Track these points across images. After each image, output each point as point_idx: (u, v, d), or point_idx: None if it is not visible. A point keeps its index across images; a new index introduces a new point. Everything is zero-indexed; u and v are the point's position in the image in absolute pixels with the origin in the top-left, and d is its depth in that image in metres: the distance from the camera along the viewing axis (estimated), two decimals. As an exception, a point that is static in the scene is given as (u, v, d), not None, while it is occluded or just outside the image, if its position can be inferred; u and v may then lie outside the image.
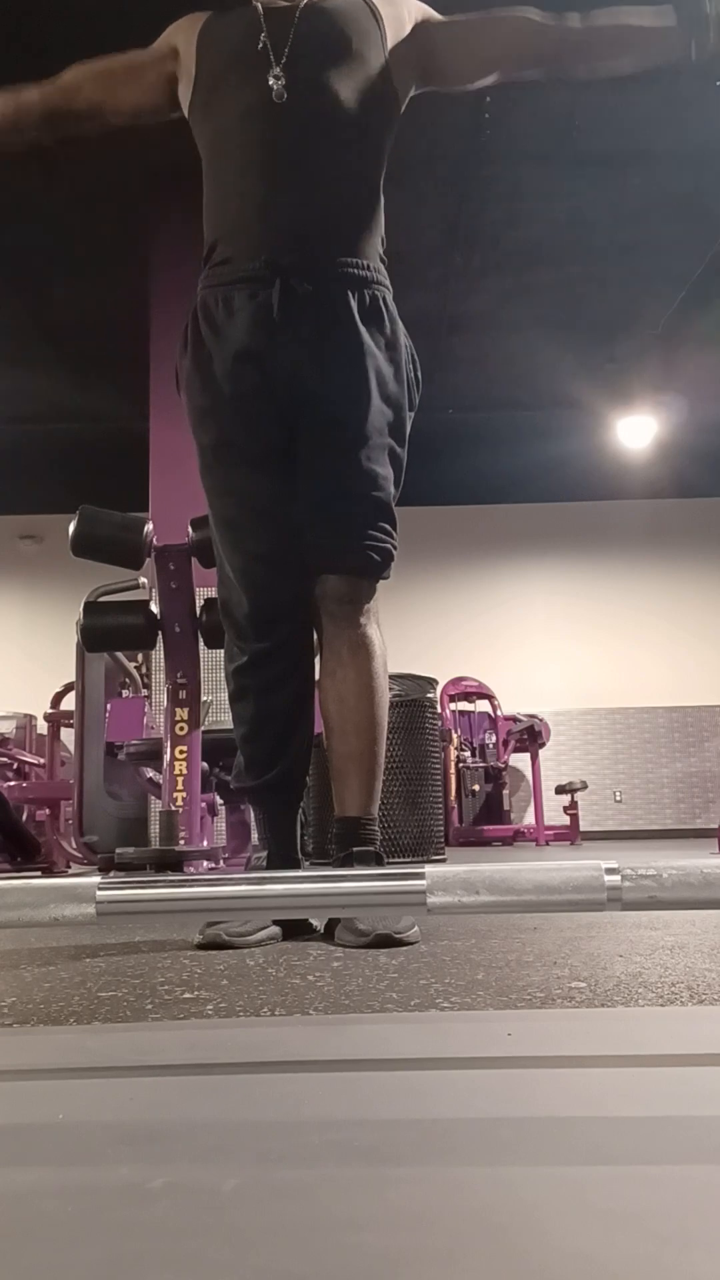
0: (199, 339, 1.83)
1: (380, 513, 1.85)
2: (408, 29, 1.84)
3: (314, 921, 1.77)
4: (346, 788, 1.85)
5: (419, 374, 1.92)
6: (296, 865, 1.93)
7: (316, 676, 1.92)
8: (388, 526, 1.86)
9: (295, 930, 1.74)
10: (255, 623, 1.88)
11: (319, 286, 1.77)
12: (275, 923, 1.68)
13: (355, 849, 1.79)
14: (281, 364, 1.77)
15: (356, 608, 1.85)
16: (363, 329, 1.79)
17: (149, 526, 3.26)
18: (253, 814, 1.96)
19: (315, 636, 1.93)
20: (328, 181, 1.78)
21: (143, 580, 3.71)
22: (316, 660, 1.93)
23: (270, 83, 1.74)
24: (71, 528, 3.17)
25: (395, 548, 1.87)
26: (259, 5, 1.81)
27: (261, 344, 1.77)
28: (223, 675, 1.98)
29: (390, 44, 1.83)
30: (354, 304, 1.78)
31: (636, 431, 9.03)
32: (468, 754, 9.57)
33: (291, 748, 1.91)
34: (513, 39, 1.82)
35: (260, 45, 1.76)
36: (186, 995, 1.18)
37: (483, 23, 1.84)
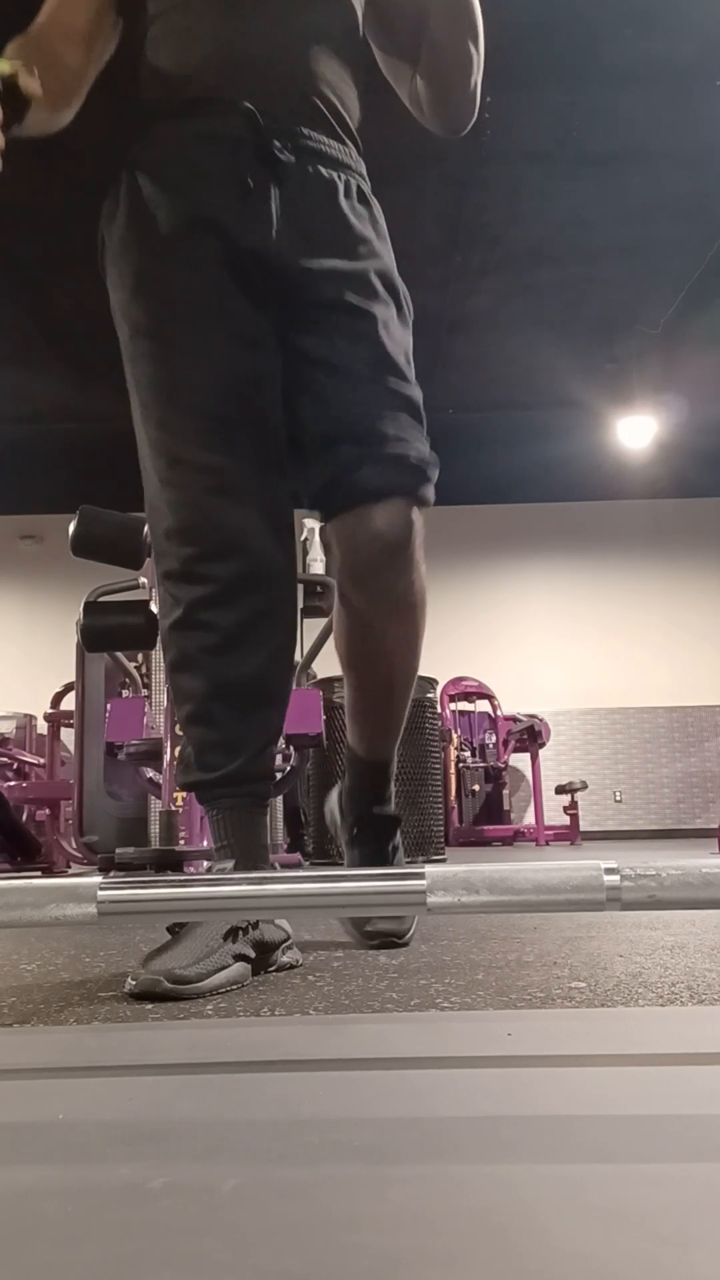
0: (139, 198, 1.46)
1: (417, 415, 1.49)
2: None
3: (295, 955, 1.40)
4: (368, 725, 1.61)
5: (409, 302, 1.60)
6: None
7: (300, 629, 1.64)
8: (424, 433, 1.49)
9: (267, 962, 1.34)
10: (191, 559, 1.43)
11: (302, 160, 1.46)
12: (243, 957, 1.26)
13: (375, 809, 1.62)
14: (255, 237, 1.43)
15: (407, 550, 1.46)
16: (354, 213, 1.50)
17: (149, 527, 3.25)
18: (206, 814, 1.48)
19: (282, 570, 1.50)
20: (310, 45, 1.49)
21: (143, 580, 3.71)
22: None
23: None
24: (71, 528, 3.17)
25: (436, 466, 1.49)
26: None
27: (230, 211, 1.43)
28: None
29: None
30: (340, 187, 1.49)
31: (636, 431, 9.03)
32: (468, 754, 9.58)
33: (260, 729, 1.46)
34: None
35: None
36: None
37: None
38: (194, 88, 1.46)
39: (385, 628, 1.51)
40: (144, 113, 1.51)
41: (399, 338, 1.51)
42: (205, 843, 3.69)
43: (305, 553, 5.18)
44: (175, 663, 1.48)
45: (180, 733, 3.18)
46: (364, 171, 1.56)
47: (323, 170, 1.48)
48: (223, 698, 1.43)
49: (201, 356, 1.44)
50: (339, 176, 1.50)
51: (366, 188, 1.55)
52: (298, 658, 1.82)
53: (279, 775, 1.64)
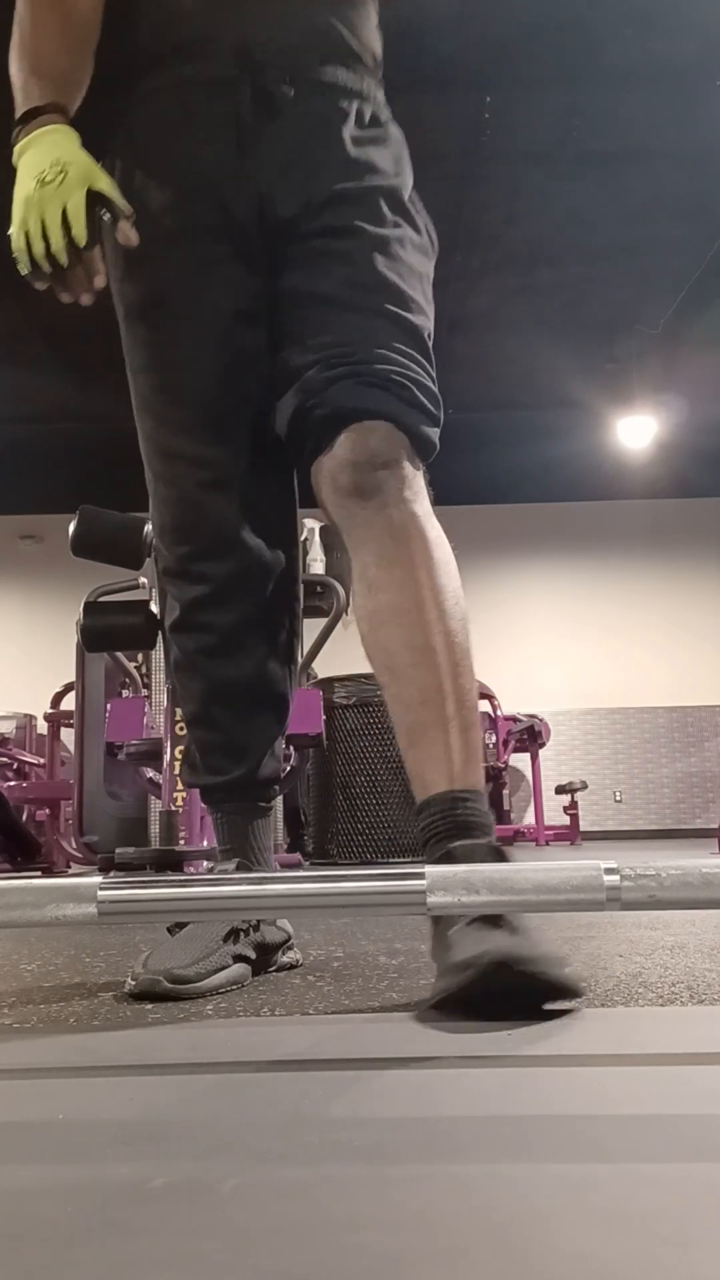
0: (131, 162, 1.37)
1: (419, 346, 1.28)
2: None
3: (295, 955, 1.40)
4: (425, 753, 1.16)
5: (433, 234, 1.44)
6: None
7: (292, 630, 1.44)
8: (428, 366, 1.28)
9: (268, 963, 1.33)
10: (185, 557, 1.39)
11: (302, 93, 1.34)
12: (242, 958, 1.24)
13: (457, 844, 1.08)
14: (250, 188, 1.32)
15: (394, 474, 1.21)
16: (359, 140, 1.35)
17: (149, 527, 3.25)
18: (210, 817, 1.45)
19: (286, 567, 1.41)
20: None
21: (143, 580, 3.71)
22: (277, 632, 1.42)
23: None
24: (71, 528, 3.17)
25: (440, 403, 1.28)
26: None
27: (223, 164, 1.32)
28: None
29: None
30: (350, 114, 1.35)
31: (636, 431, 9.04)
32: (468, 754, 9.56)
33: (261, 733, 1.41)
34: None
35: None
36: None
37: None
38: (186, 29, 1.36)
39: (393, 572, 1.20)
40: (137, 62, 1.41)
41: (407, 261, 1.33)
42: (205, 843, 3.69)
43: (305, 552, 5.18)
44: (176, 663, 1.45)
45: (183, 732, 3.12)
46: (380, 97, 1.42)
47: (325, 100, 1.35)
48: (223, 700, 1.40)
49: (194, 340, 1.35)
50: (347, 104, 1.35)
51: (384, 113, 1.41)
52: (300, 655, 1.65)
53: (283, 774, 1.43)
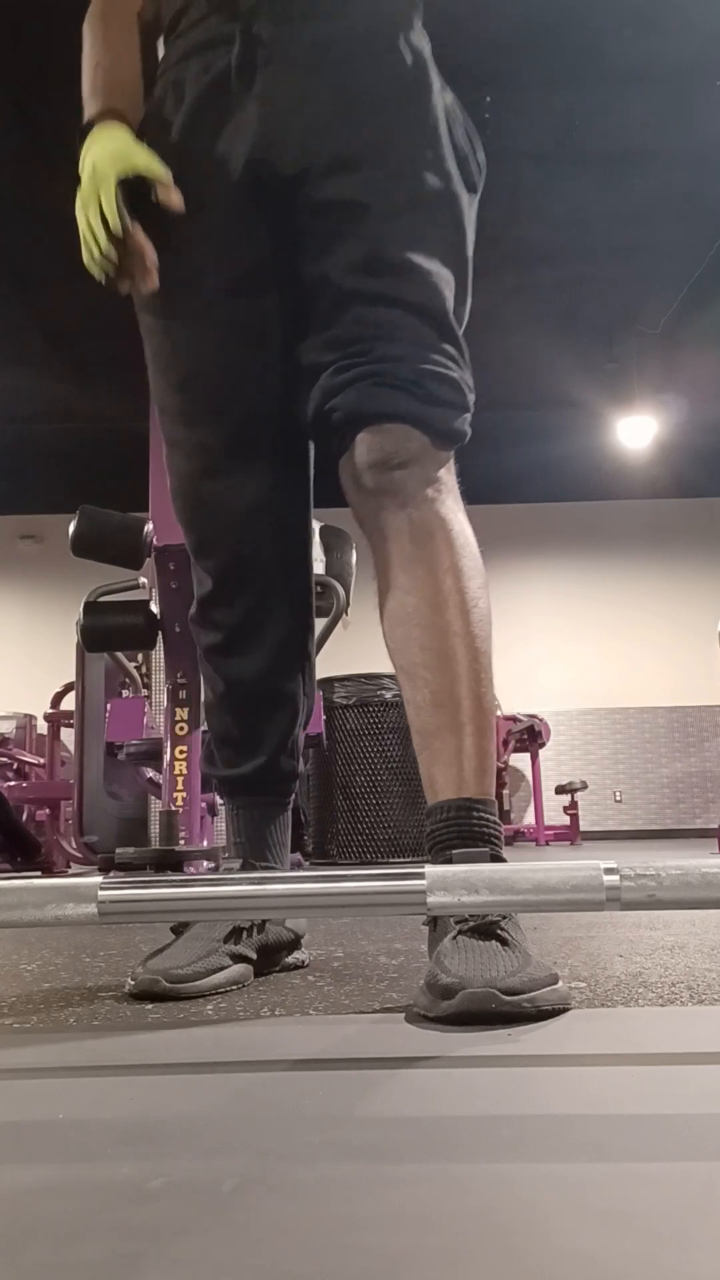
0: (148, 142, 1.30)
1: (434, 321, 1.20)
2: None
3: (300, 955, 1.38)
4: (436, 758, 1.17)
5: (475, 144, 1.38)
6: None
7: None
8: (451, 350, 1.20)
9: (272, 963, 1.31)
10: (193, 549, 1.38)
11: (293, 29, 1.23)
12: (243, 958, 1.23)
13: (458, 852, 1.10)
14: (240, 146, 1.23)
15: (413, 473, 1.18)
16: (363, 73, 1.23)
17: (149, 526, 3.26)
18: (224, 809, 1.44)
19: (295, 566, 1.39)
20: None
21: (143, 580, 3.71)
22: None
23: None
24: (71, 528, 3.18)
25: (469, 388, 1.23)
26: None
27: (214, 124, 1.25)
28: None
29: None
30: (352, 39, 1.24)
31: (636, 431, 9.03)
32: (468, 754, 9.56)
33: (273, 730, 1.39)
34: None
35: None
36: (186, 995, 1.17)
37: None
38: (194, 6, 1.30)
39: (412, 572, 1.19)
40: (165, 39, 1.36)
41: (428, 218, 1.24)
42: (205, 843, 3.69)
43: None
44: (199, 654, 1.44)
45: (183, 731, 3.09)
46: (404, 15, 1.27)
47: (320, 28, 1.24)
48: (234, 696, 1.39)
49: (180, 317, 1.29)
50: (351, 27, 1.24)
51: (405, 34, 1.25)
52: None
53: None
